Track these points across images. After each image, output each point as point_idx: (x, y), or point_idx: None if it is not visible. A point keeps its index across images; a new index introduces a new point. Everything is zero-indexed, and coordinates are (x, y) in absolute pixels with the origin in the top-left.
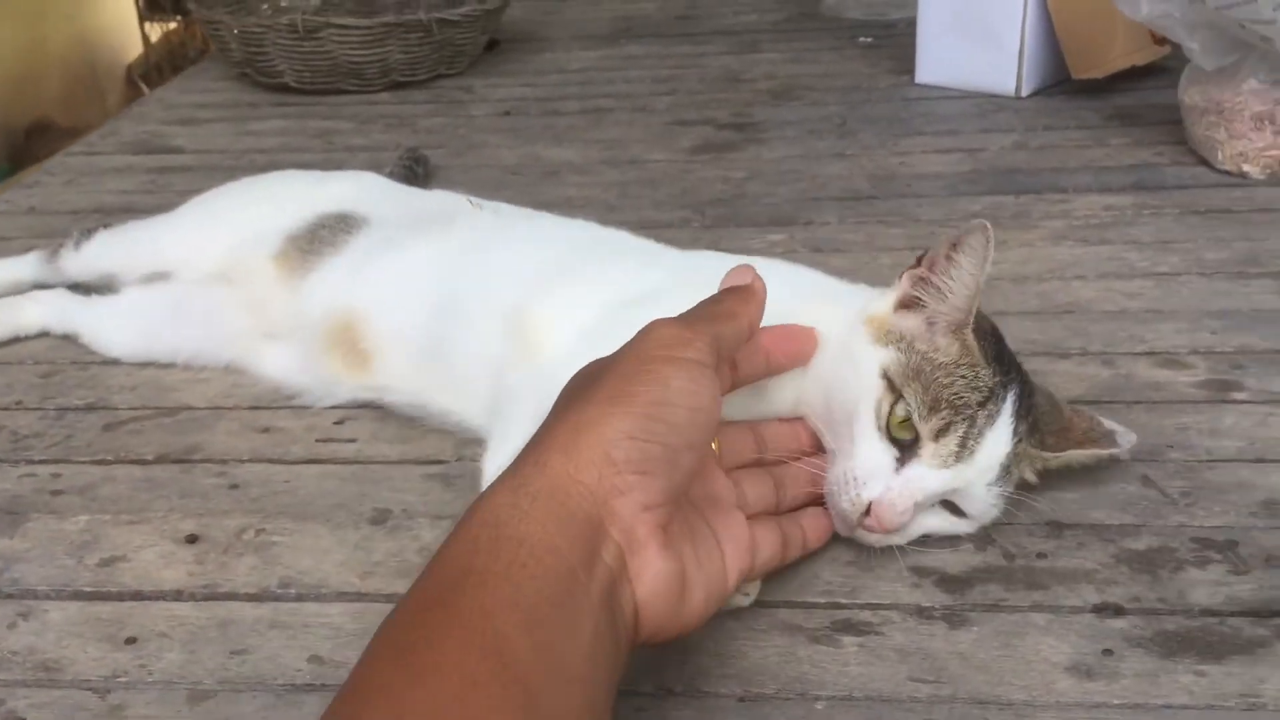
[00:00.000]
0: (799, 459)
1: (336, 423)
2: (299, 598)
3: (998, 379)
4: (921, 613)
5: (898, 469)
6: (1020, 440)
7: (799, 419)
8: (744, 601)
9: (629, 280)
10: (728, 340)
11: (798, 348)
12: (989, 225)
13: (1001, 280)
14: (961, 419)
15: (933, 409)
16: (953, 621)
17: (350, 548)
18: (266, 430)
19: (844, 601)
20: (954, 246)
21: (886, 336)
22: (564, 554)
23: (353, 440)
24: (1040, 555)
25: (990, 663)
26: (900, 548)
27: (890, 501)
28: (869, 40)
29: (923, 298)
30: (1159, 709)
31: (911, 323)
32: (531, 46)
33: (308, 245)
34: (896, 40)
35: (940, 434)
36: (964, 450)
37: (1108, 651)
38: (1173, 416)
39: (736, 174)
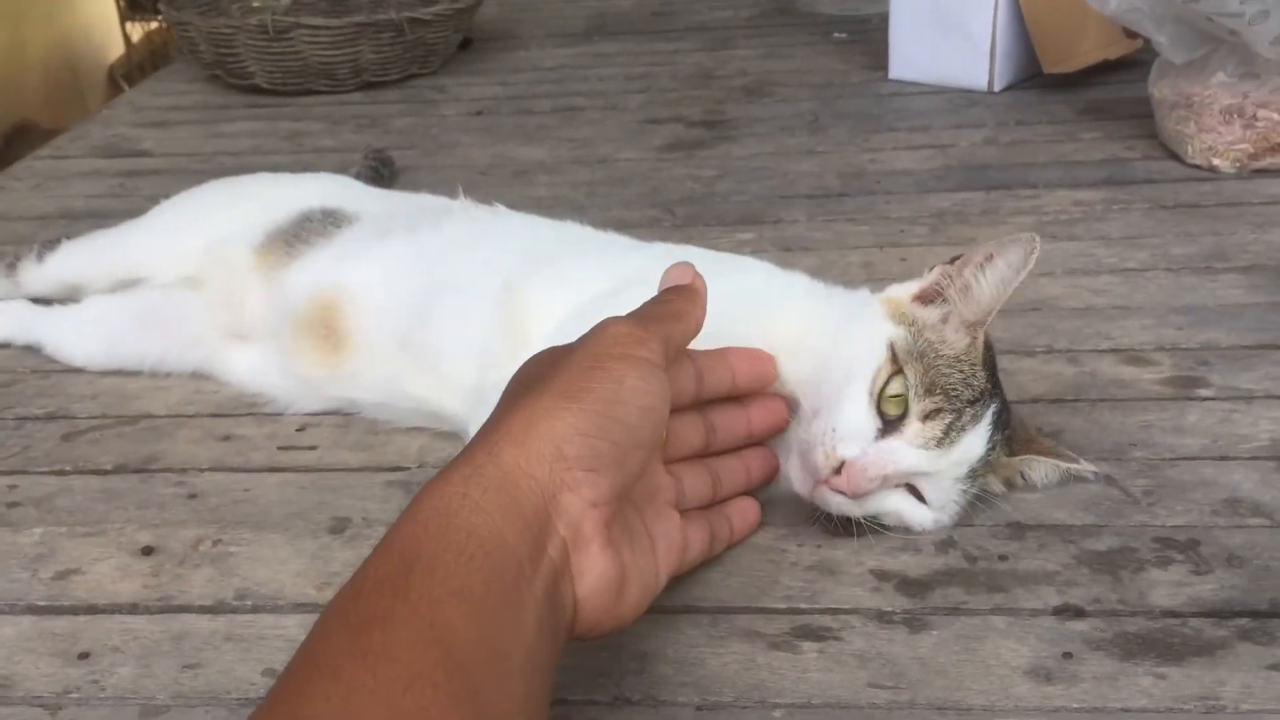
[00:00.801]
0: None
1: (298, 429)
2: (255, 609)
3: (989, 385)
4: (882, 617)
5: (878, 437)
6: (994, 449)
7: (750, 402)
8: None
9: (621, 274)
10: (676, 340)
11: (763, 370)
12: (1037, 238)
13: None
14: (951, 409)
15: (929, 391)
16: (913, 626)
17: (308, 557)
18: (228, 438)
19: (804, 607)
20: (994, 252)
21: (900, 318)
22: (512, 547)
23: (314, 448)
24: (1002, 557)
25: (950, 667)
26: (863, 546)
27: (864, 465)
28: (843, 36)
29: (947, 293)
30: (1118, 712)
31: (927, 314)
32: (506, 44)
33: (293, 237)
34: (870, 35)
35: (929, 416)
36: (946, 438)
37: (1067, 654)
38: (1137, 414)
39: (707, 172)
